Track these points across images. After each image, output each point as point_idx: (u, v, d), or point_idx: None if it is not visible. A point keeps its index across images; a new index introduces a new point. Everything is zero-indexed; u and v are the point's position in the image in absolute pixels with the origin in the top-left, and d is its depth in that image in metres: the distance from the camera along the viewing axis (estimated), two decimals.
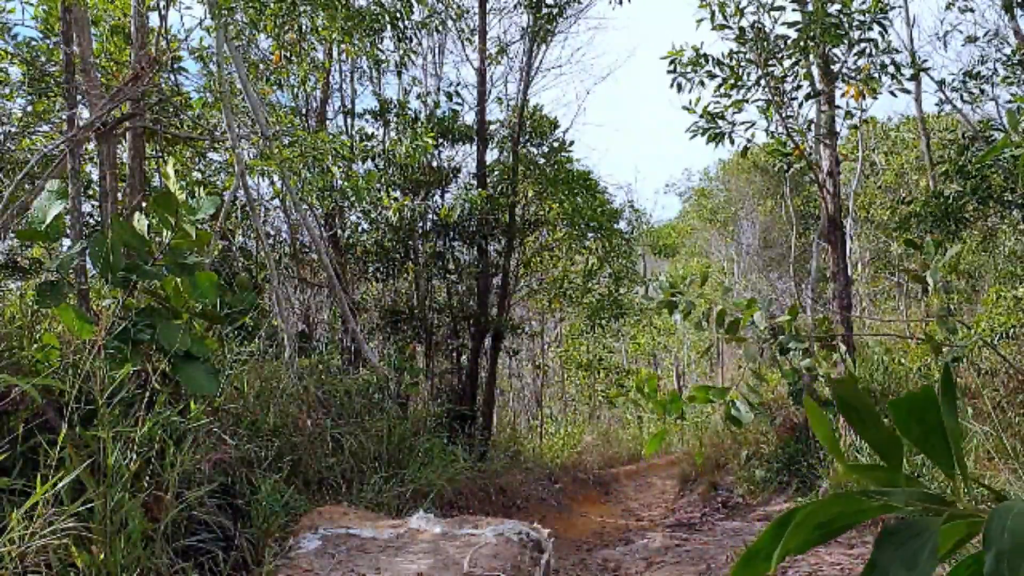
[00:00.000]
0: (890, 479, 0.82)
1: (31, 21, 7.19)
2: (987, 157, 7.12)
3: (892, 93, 8.13)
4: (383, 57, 9.41)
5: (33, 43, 7.12)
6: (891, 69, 7.26)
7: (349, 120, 10.60)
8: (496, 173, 11.22)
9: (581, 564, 6.46)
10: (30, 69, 6.91)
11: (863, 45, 7.20)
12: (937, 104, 10.38)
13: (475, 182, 10.86)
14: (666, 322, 21.27)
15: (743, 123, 7.61)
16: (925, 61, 8.25)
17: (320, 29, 7.20)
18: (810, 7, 6.99)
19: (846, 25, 7.00)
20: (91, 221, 7.96)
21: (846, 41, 7.15)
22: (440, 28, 10.87)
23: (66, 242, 5.19)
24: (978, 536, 0.70)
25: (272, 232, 9.71)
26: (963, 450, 0.83)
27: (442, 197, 11.03)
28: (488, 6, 11.12)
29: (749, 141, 7.82)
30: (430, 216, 10.67)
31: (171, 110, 7.26)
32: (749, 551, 0.80)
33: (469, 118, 11.08)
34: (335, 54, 9.83)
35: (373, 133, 10.52)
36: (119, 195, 6.34)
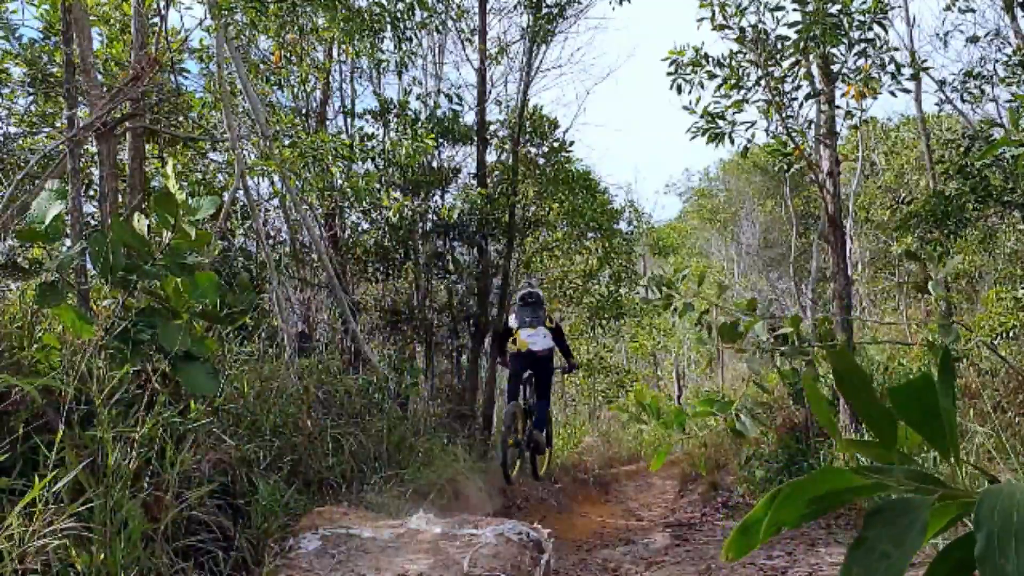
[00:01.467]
0: (886, 456, 0.81)
1: (32, 21, 7.20)
2: (986, 155, 7.12)
3: (892, 93, 8.14)
4: (383, 57, 9.41)
5: (36, 44, 7.12)
6: (891, 69, 7.26)
7: (349, 120, 10.60)
8: (496, 173, 11.22)
9: (581, 564, 6.45)
10: (31, 69, 6.92)
11: (863, 45, 7.20)
12: (937, 104, 10.40)
13: (475, 182, 10.86)
14: (666, 322, 21.25)
15: (743, 123, 7.60)
16: (925, 61, 8.23)
17: (320, 29, 7.20)
18: (810, 7, 6.98)
19: (846, 25, 7.00)
20: (91, 221, 7.95)
21: (846, 41, 7.14)
22: (440, 28, 10.87)
23: (66, 242, 5.18)
24: (969, 517, 0.70)
25: (272, 232, 9.71)
26: (958, 437, 0.83)
27: (442, 197, 11.03)
28: (488, 6, 11.12)
29: (749, 141, 7.81)
30: (430, 216, 10.66)
31: (171, 110, 7.26)
32: (743, 523, 0.80)
33: (469, 118, 11.08)
34: (335, 54, 9.83)
35: (373, 133, 10.52)
36: (119, 195, 6.34)
